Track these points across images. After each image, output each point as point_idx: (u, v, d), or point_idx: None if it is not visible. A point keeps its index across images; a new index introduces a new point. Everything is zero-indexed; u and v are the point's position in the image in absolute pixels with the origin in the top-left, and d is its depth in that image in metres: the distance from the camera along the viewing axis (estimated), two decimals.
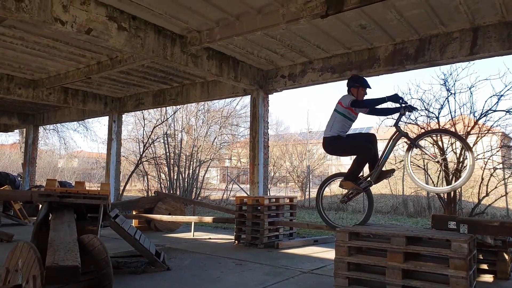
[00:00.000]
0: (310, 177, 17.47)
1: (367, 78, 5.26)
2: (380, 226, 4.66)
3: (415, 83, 22.73)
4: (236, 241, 6.92)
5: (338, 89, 68.39)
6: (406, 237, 3.45)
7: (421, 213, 11.28)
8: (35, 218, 9.56)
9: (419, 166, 7.82)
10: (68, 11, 5.34)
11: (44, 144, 25.83)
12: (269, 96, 8.98)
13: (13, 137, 28.72)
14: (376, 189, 13.85)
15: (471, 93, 6.87)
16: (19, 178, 13.96)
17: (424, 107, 7.26)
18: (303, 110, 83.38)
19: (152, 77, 9.79)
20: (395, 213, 11.63)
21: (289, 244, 6.74)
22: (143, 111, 15.54)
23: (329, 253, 6.05)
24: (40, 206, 9.47)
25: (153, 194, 12.68)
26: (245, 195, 12.69)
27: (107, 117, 12.10)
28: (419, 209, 11.46)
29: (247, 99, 18.85)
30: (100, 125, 57.79)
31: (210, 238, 7.57)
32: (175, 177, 16.49)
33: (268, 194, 10.22)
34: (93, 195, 4.48)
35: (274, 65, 8.46)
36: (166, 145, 16.78)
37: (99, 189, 4.81)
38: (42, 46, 7.55)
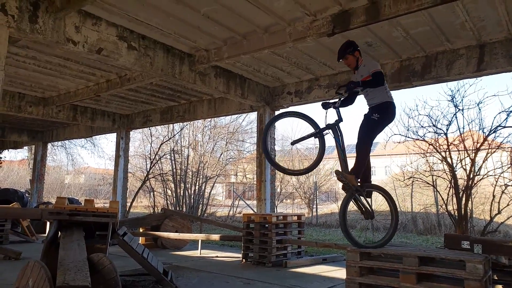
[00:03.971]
0: (317, 193, 17.34)
1: None
2: (391, 245, 4.59)
3: (422, 99, 22.84)
4: (244, 260, 6.85)
5: None
6: (418, 257, 3.39)
7: (431, 230, 11.09)
8: (42, 234, 9.60)
9: (428, 183, 7.74)
10: (80, 31, 5.47)
11: (52, 160, 26.05)
12: (276, 112, 9.03)
13: (21, 153, 29.01)
14: (384, 205, 13.69)
15: (480, 109, 6.86)
16: (27, 195, 14.04)
17: (432, 123, 7.24)
18: (309, 126, 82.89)
19: (160, 95, 9.90)
20: (404, 231, 11.45)
21: (298, 263, 6.65)
22: (150, 127, 15.65)
23: (338, 272, 5.95)
24: (48, 223, 9.53)
25: (159, 211, 12.65)
26: (252, 212, 12.61)
27: (115, 133, 12.21)
28: (428, 227, 11.28)
29: (253, 115, 18.93)
30: (107, 141, 58.14)
31: (217, 256, 7.50)
32: (182, 193, 16.47)
33: (276, 211, 10.15)
34: (102, 213, 4.48)
35: (280, 82, 8.53)
36: (173, 161, 16.83)
37: (107, 206, 4.82)
38: (53, 65, 7.71)
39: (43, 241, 4.55)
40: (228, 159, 20.49)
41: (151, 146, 17.06)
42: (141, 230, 8.60)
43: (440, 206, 10.19)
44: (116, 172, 11.80)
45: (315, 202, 16.49)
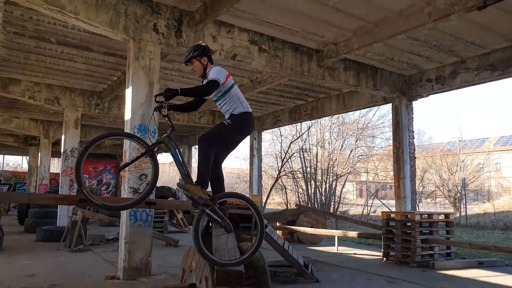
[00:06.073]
0: (465, 191, 15.30)
1: None
2: None
3: None
4: (385, 258, 6.49)
5: (499, 87, 58.15)
6: None
7: None
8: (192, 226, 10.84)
9: None
10: (216, 40, 6.01)
11: (195, 162, 29.31)
12: (413, 102, 8.33)
13: (170, 156, 33.48)
14: None
15: None
16: (178, 192, 16.09)
17: None
18: (450, 116, 73.43)
19: (288, 94, 10.16)
20: None
21: (447, 265, 5.98)
22: (280, 127, 16.22)
23: (500, 279, 5.17)
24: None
25: (294, 207, 12.96)
26: (388, 210, 11.88)
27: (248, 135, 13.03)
28: None
29: (384, 109, 17.87)
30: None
31: (355, 254, 7.29)
32: (313, 191, 16.59)
33: (417, 210, 9.36)
34: (246, 206, 4.80)
35: (417, 69, 7.84)
36: (302, 160, 17.08)
37: None
38: (195, 75, 8.63)
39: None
40: (358, 157, 19.77)
41: (281, 145, 17.67)
42: (278, 224, 8.95)
43: None
44: (251, 171, 12.56)
45: (463, 201, 14.61)
